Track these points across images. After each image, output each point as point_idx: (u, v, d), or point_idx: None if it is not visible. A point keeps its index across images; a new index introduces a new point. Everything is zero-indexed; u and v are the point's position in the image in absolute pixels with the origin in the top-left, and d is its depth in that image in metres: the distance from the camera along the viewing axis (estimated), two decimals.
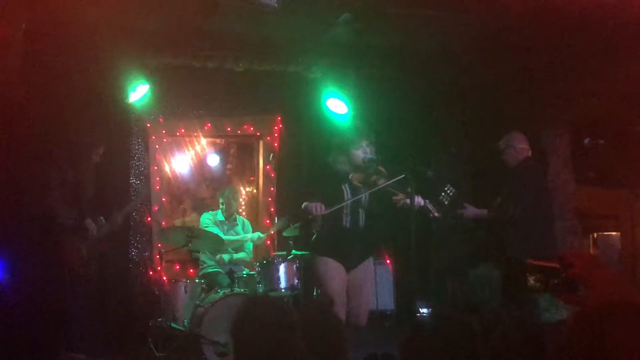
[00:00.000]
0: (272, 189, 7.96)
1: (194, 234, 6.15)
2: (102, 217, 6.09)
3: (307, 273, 5.82)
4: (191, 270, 7.21)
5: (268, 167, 7.98)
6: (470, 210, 5.76)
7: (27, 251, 5.70)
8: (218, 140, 8.27)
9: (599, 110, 6.76)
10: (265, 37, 6.70)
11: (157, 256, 6.59)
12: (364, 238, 5.04)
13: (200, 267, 6.78)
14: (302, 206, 4.81)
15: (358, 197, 4.93)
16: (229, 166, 8.46)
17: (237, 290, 5.99)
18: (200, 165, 8.17)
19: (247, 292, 5.97)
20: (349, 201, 4.92)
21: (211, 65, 6.99)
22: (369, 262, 5.15)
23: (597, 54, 6.06)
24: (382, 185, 4.86)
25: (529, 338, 2.40)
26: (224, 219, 6.92)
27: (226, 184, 8.13)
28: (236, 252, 6.89)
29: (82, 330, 6.02)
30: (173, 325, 5.83)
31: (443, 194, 5.42)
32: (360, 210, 5.00)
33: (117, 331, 6.67)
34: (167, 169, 7.81)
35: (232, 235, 6.89)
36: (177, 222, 7.76)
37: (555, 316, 5.67)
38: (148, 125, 7.42)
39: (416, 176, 4.58)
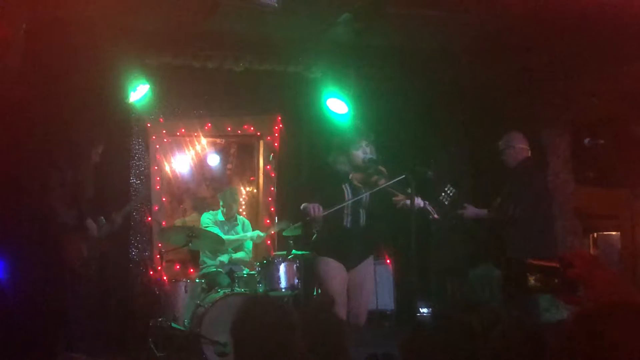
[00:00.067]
0: (272, 188, 7.97)
1: (195, 233, 6.15)
2: (102, 217, 6.09)
3: (307, 273, 5.82)
4: (191, 270, 7.21)
5: (268, 167, 7.98)
6: (471, 211, 5.76)
7: (27, 251, 5.70)
8: (218, 140, 8.27)
9: (599, 110, 6.76)
10: (265, 37, 6.70)
11: (158, 256, 6.60)
12: (364, 238, 5.04)
13: (201, 267, 6.78)
14: (301, 207, 4.82)
15: (359, 197, 4.94)
16: (229, 166, 8.46)
17: (237, 290, 5.99)
18: (201, 165, 8.18)
19: (247, 292, 5.97)
20: (349, 201, 4.92)
21: (211, 65, 6.99)
22: (369, 262, 5.16)
23: (597, 54, 6.06)
24: (382, 186, 4.86)
25: (529, 338, 2.40)
26: (224, 219, 6.92)
27: (226, 183, 8.15)
28: (235, 252, 6.89)
29: (82, 330, 6.03)
30: (173, 325, 5.83)
31: (443, 194, 5.43)
32: (361, 210, 5.00)
33: (117, 331, 6.67)
34: (167, 168, 7.81)
35: (233, 235, 6.89)
36: (178, 222, 7.77)
37: (555, 316, 5.67)
38: (148, 125, 7.42)
39: (416, 176, 4.58)
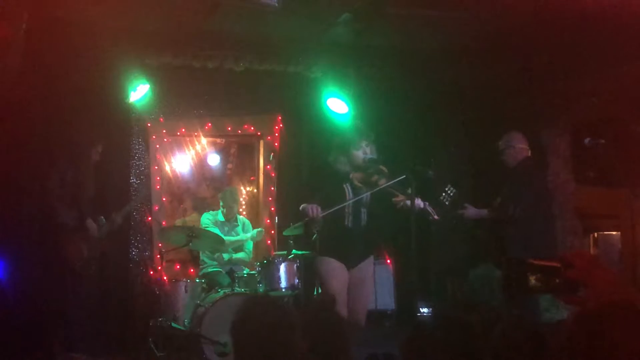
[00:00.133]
0: (272, 188, 7.96)
1: (195, 233, 6.15)
2: (102, 217, 6.09)
3: (307, 272, 5.82)
4: (192, 270, 7.21)
5: (268, 166, 7.98)
6: (471, 211, 5.76)
7: (27, 251, 5.71)
8: (218, 140, 8.27)
9: (599, 110, 6.75)
10: (265, 37, 6.71)
11: (158, 256, 6.60)
12: (365, 237, 5.04)
13: (201, 266, 6.78)
14: (300, 208, 4.82)
15: (360, 197, 4.94)
16: (229, 166, 8.46)
17: (237, 289, 5.99)
18: (201, 164, 8.18)
19: (247, 292, 5.97)
20: (350, 201, 4.92)
21: (211, 65, 6.99)
22: (370, 261, 5.16)
23: (597, 54, 6.06)
24: (383, 186, 4.86)
25: (529, 338, 2.40)
26: (224, 219, 6.92)
27: (226, 183, 8.15)
28: (236, 252, 6.89)
29: (82, 330, 6.03)
30: (173, 324, 5.83)
31: (444, 194, 5.43)
32: (362, 209, 5.00)
33: (117, 331, 6.67)
34: (167, 168, 7.81)
35: (233, 235, 6.89)
36: (178, 222, 7.77)
37: (555, 316, 5.68)
38: (148, 124, 7.42)
39: (416, 176, 4.58)
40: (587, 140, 6.19)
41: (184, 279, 6.29)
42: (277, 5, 5.29)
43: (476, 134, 7.57)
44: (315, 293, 5.53)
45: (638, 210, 6.37)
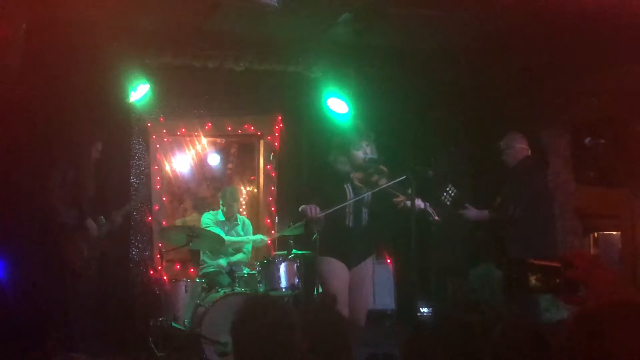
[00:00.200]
0: (272, 188, 7.97)
1: (195, 233, 6.14)
2: (102, 217, 6.09)
3: (307, 272, 5.82)
4: (192, 270, 7.22)
5: (269, 166, 7.99)
6: (472, 212, 5.76)
7: (27, 251, 5.71)
8: (219, 140, 8.28)
9: (599, 110, 6.76)
10: (265, 37, 6.71)
11: (158, 256, 6.60)
12: (366, 237, 5.04)
13: (201, 266, 6.78)
14: (300, 209, 4.82)
15: (360, 197, 4.94)
16: (229, 165, 8.47)
17: (237, 289, 5.99)
18: (201, 164, 8.18)
19: (247, 292, 5.97)
20: (350, 201, 4.92)
21: (211, 65, 6.99)
22: (370, 261, 5.16)
23: (597, 54, 6.06)
24: (383, 187, 4.86)
25: (530, 338, 2.40)
26: (224, 219, 6.92)
27: (227, 183, 8.14)
28: (235, 253, 6.88)
29: (82, 330, 6.03)
30: (174, 324, 5.83)
31: (445, 194, 5.43)
32: (363, 209, 5.00)
33: (117, 331, 6.66)
34: (167, 168, 7.81)
35: (233, 235, 6.89)
36: (178, 222, 7.77)
37: (556, 316, 5.68)
38: (149, 124, 7.42)
39: (417, 176, 4.58)
40: (587, 140, 6.20)
41: (184, 279, 6.29)
42: (277, 5, 5.29)
43: (476, 134, 7.58)
44: (315, 293, 5.53)
45: (638, 210, 6.37)
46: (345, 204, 4.90)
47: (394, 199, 4.87)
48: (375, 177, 4.96)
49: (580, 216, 7.24)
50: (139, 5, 5.79)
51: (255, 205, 8.24)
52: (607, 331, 1.48)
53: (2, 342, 5.03)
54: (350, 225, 4.97)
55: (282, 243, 6.99)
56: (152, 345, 5.76)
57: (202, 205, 8.00)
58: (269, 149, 7.98)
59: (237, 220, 7.01)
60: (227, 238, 6.61)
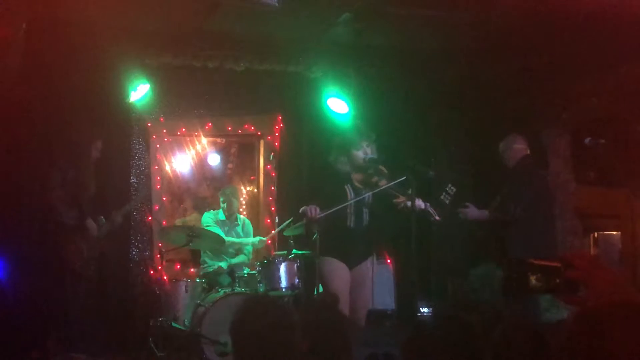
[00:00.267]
0: (272, 188, 7.97)
1: (195, 233, 6.15)
2: (102, 217, 6.09)
3: (308, 272, 5.82)
4: (192, 270, 7.21)
5: (269, 166, 7.99)
6: (472, 212, 5.76)
7: (27, 251, 5.71)
8: (219, 140, 8.28)
9: (599, 110, 6.76)
10: (265, 37, 6.71)
11: (158, 255, 6.60)
12: (367, 237, 5.04)
13: (201, 266, 6.78)
14: (300, 211, 4.82)
15: (361, 197, 4.94)
16: (229, 165, 8.47)
17: (237, 289, 6.00)
18: (201, 164, 8.18)
19: (247, 292, 5.97)
20: (351, 202, 4.92)
21: (211, 65, 7.00)
22: (370, 261, 5.16)
23: (597, 54, 6.06)
24: (383, 187, 4.86)
25: (530, 338, 2.40)
26: (225, 218, 6.92)
27: (227, 183, 8.14)
28: (236, 254, 6.88)
29: (82, 330, 6.02)
30: (174, 324, 5.83)
31: (444, 193, 5.42)
32: (364, 209, 5.00)
33: (117, 331, 6.66)
34: (167, 168, 7.81)
35: (233, 235, 6.89)
36: (178, 222, 7.77)
37: (555, 316, 5.68)
38: (149, 124, 7.42)
39: (417, 176, 4.58)
40: (587, 140, 6.19)
41: (184, 279, 6.29)
42: (277, 5, 5.29)
43: (476, 134, 7.57)
44: (315, 293, 5.53)
45: (638, 210, 6.37)
46: (346, 204, 4.90)
47: (395, 200, 4.87)
48: (375, 178, 4.96)
49: (580, 216, 7.24)
50: (139, 5, 5.79)
51: (255, 205, 8.24)
52: (607, 331, 1.47)
53: (2, 342, 5.04)
54: (352, 225, 4.97)
55: (282, 243, 6.99)
56: (152, 345, 5.75)
57: (202, 205, 8.00)
58: (269, 149, 7.98)
59: (237, 221, 7.01)
60: (226, 238, 6.61)
